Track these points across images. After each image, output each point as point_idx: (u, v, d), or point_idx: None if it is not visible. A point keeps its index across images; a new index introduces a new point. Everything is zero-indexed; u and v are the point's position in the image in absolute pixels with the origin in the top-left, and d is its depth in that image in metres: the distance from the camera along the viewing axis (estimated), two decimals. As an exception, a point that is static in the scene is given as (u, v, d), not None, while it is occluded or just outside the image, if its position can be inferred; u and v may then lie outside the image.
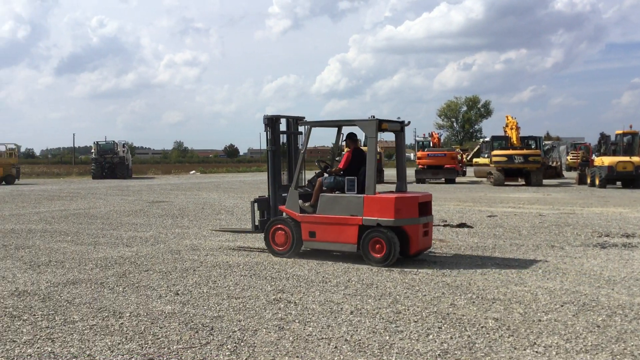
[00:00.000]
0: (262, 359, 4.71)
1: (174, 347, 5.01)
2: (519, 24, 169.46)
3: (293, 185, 9.28)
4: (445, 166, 33.60)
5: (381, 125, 8.71)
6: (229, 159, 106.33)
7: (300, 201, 9.19)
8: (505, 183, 30.06)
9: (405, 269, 8.17)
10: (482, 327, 5.51)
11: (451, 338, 5.20)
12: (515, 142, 31.84)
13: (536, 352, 4.84)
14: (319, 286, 7.21)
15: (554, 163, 39.12)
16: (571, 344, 5.02)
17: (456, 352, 4.85)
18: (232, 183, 35.21)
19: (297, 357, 4.76)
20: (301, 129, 10.05)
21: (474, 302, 6.42)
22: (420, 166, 34.30)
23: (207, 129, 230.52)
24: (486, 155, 36.23)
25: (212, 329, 5.49)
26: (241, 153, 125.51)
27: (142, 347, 5.00)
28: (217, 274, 7.95)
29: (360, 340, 5.15)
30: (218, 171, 63.79)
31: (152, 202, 20.67)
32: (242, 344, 5.07)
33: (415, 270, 8.13)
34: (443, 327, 5.50)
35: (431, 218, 9.11)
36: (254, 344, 5.07)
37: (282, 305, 6.30)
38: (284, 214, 9.40)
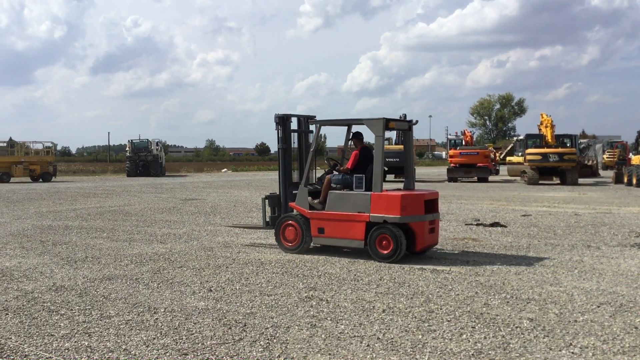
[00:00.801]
0: (294, 356, 4.73)
1: (208, 342, 5.07)
2: (554, 20, 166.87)
3: (303, 183, 9.45)
4: (478, 165, 33.24)
5: (388, 124, 8.79)
6: (260, 156, 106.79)
7: (309, 198, 9.38)
8: (540, 182, 29.63)
9: (438, 268, 8.12)
10: (516, 327, 5.44)
11: (485, 338, 5.15)
12: (550, 140, 31.34)
13: (572, 353, 4.76)
14: (351, 284, 7.20)
15: (590, 162, 38.35)
16: (608, 345, 4.93)
17: (490, 352, 4.80)
18: (263, 181, 35.39)
19: (330, 354, 4.76)
20: (312, 127, 10.20)
21: (508, 302, 6.35)
22: (452, 165, 33.99)
23: (238, 127, 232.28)
24: (520, 154, 35.73)
25: (245, 325, 5.54)
26: (272, 151, 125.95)
27: (177, 342, 5.07)
28: (250, 271, 8.01)
29: (392, 338, 5.14)
30: (249, 169, 64.18)
31: (185, 199, 20.90)
32: (275, 340, 5.10)
33: (448, 269, 8.08)
34: (477, 327, 5.45)
35: (437, 215, 9.22)
36: (287, 340, 5.10)
37: (314, 303, 6.32)
38: (294, 210, 9.55)
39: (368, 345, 4.95)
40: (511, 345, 4.96)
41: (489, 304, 6.27)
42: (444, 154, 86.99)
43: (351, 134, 9.77)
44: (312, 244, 9.51)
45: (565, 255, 9.19)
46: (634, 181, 26.36)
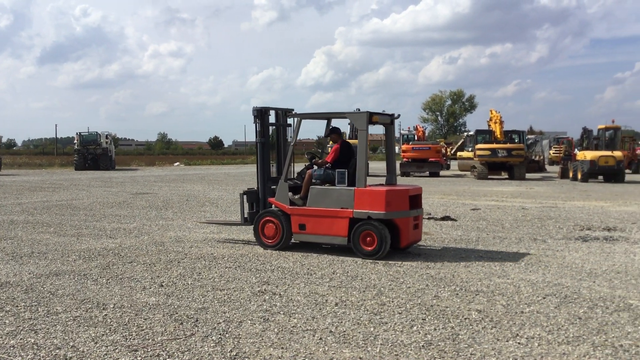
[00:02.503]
0: (246, 350, 4.71)
1: (159, 338, 5.00)
2: (504, 18, 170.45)
3: (283, 178, 9.21)
4: (430, 159, 33.68)
5: (372, 118, 8.69)
6: (213, 150, 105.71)
7: (290, 194, 9.18)
8: (489, 177, 30.24)
9: (390, 262, 8.21)
10: (465, 318, 5.56)
11: (435, 329, 5.24)
12: (498, 136, 32.03)
13: (519, 343, 4.89)
14: (304, 278, 7.22)
15: (537, 157, 39.43)
16: (553, 336, 5.09)
17: (440, 343, 4.89)
18: (216, 175, 35.09)
19: (282, 348, 4.77)
20: (290, 121, 9.99)
21: (457, 294, 6.47)
22: (405, 159, 34.34)
23: (191, 121, 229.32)
24: (470, 149, 36.45)
25: (197, 320, 5.49)
26: (226, 145, 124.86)
27: (127, 339, 4.99)
28: (202, 266, 7.93)
29: (345, 331, 5.17)
30: (202, 163, 63.49)
31: (136, 193, 20.54)
32: (227, 335, 5.08)
33: (400, 262, 8.17)
34: (427, 319, 5.54)
35: (421, 211, 9.12)
36: (239, 335, 5.08)
37: (267, 297, 6.31)
38: (274, 206, 9.37)
39: (320, 339, 4.98)
40: (460, 336, 5.06)
41: (439, 296, 6.38)
42: (397, 148, 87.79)
43: (329, 129, 9.61)
44: (292, 241, 9.31)
45: (513, 248, 9.42)
46: (579, 176, 27.18)
